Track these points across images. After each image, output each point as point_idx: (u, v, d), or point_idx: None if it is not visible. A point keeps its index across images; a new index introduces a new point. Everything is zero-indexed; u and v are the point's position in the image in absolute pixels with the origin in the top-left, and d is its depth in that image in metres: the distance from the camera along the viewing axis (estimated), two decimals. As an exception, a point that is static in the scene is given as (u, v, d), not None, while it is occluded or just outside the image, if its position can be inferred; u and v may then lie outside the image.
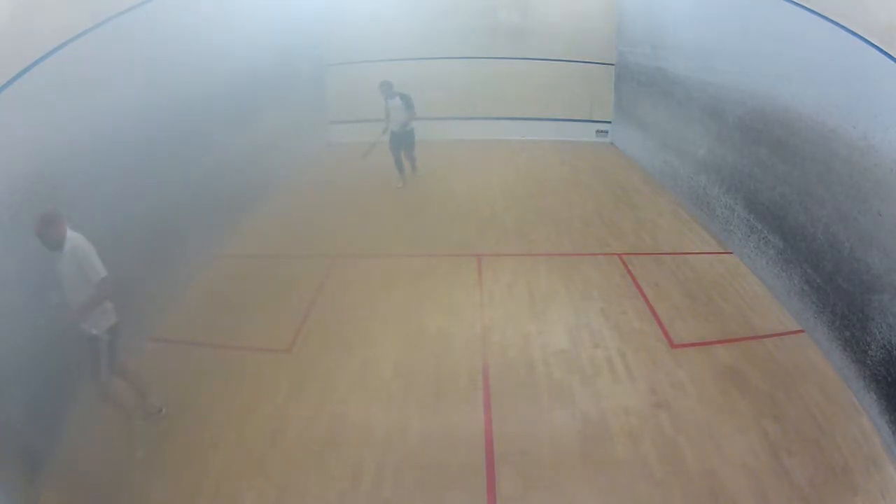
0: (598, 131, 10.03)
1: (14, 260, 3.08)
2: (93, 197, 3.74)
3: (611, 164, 8.89)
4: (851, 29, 3.75)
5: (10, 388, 2.95)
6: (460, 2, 9.55)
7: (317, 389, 3.82)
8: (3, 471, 2.81)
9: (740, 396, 3.68)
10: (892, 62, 3.38)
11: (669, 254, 5.78)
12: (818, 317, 4.18)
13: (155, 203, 4.45)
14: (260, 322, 4.61)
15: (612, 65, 9.68)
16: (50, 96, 3.30)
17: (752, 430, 3.40)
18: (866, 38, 3.61)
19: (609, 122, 9.98)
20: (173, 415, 3.55)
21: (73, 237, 3.05)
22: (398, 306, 4.82)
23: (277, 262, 5.45)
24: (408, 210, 6.83)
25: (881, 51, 3.47)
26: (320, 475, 3.14)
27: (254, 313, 4.72)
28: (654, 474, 3.13)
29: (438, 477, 3.12)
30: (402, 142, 7.67)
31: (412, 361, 4.09)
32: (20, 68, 3.08)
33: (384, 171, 8.23)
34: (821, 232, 4.18)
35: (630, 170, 8.55)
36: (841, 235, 3.92)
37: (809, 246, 4.33)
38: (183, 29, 4.97)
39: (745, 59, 5.39)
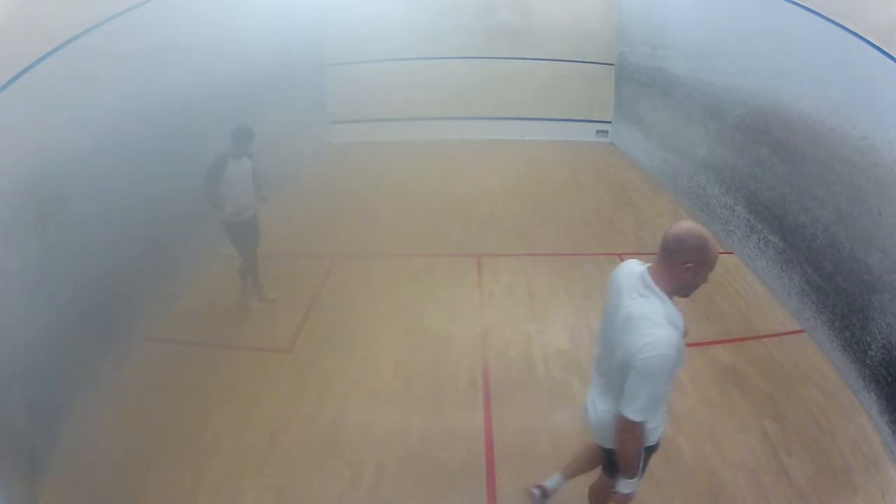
0: (598, 131, 10.04)
1: (15, 259, 3.08)
2: (93, 196, 3.74)
3: (611, 164, 8.89)
4: (851, 29, 3.75)
5: (10, 388, 2.94)
6: (460, 2, 9.56)
7: (317, 389, 3.82)
8: (3, 471, 2.81)
9: (740, 396, 3.68)
10: (892, 62, 3.38)
11: (669, 254, 5.77)
12: (818, 317, 4.18)
13: (155, 202, 4.45)
14: (260, 322, 4.61)
15: (612, 65, 9.69)
16: (50, 96, 3.29)
17: (752, 430, 3.40)
18: (866, 38, 3.61)
19: (609, 122, 9.98)
20: (173, 414, 3.55)
21: None
22: (398, 306, 4.81)
23: (277, 262, 5.44)
24: (408, 210, 6.83)
25: (881, 51, 3.47)
26: (320, 475, 3.14)
27: (254, 313, 4.72)
28: (654, 474, 3.11)
29: (438, 477, 3.12)
30: (249, 237, 4.70)
31: (412, 361, 4.09)
32: (21, 68, 3.08)
33: (384, 171, 8.24)
34: (821, 232, 4.18)
35: (630, 170, 8.55)
36: (841, 235, 3.92)
37: (809, 246, 4.33)
38: (183, 29, 4.97)
39: (745, 59, 5.39)
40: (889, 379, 3.33)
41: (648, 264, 2.02)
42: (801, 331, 4.36)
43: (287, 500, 3.00)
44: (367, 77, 9.48)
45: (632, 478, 2.04)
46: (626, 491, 2.07)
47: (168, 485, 3.07)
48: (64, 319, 3.40)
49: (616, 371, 1.96)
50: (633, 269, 2.04)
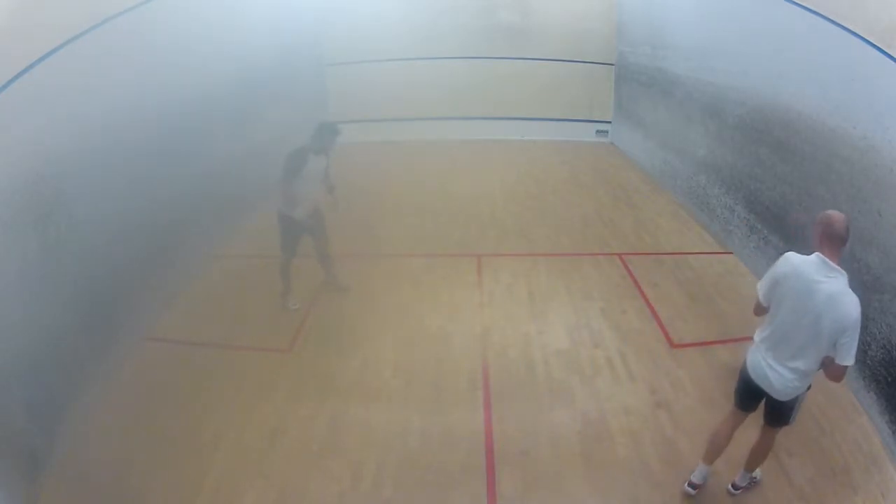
0: (598, 131, 10.03)
1: (15, 259, 3.07)
2: (93, 196, 3.74)
3: (611, 164, 8.89)
4: (851, 29, 3.75)
5: (10, 388, 2.94)
6: (460, 2, 9.55)
7: (317, 389, 3.82)
8: (3, 471, 2.81)
9: (740, 396, 3.67)
10: (892, 62, 3.38)
11: (669, 254, 5.78)
12: (818, 317, 4.17)
13: (155, 203, 4.45)
14: (260, 322, 4.61)
15: (612, 65, 9.68)
16: (50, 96, 3.29)
17: (753, 430, 3.39)
18: (866, 38, 3.61)
19: (609, 122, 9.98)
20: (173, 414, 3.55)
21: None
22: (398, 306, 4.82)
23: (277, 262, 5.43)
24: (408, 210, 6.82)
25: (881, 51, 3.47)
26: (320, 475, 3.14)
27: (254, 313, 4.72)
28: (654, 474, 3.13)
29: (438, 477, 3.12)
30: (312, 231, 4.77)
31: (412, 361, 4.09)
32: (21, 67, 3.08)
33: (384, 171, 8.23)
34: (821, 232, 4.17)
35: (630, 170, 8.55)
36: (841, 235, 3.91)
37: (810, 246, 4.32)
38: (183, 29, 4.97)
39: (745, 59, 5.38)
40: (889, 379, 3.33)
41: (815, 253, 2.59)
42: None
43: (287, 500, 3.00)
44: (367, 77, 9.47)
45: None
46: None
47: (168, 484, 3.07)
48: (64, 319, 3.40)
49: (820, 338, 2.51)
50: (808, 260, 2.62)
